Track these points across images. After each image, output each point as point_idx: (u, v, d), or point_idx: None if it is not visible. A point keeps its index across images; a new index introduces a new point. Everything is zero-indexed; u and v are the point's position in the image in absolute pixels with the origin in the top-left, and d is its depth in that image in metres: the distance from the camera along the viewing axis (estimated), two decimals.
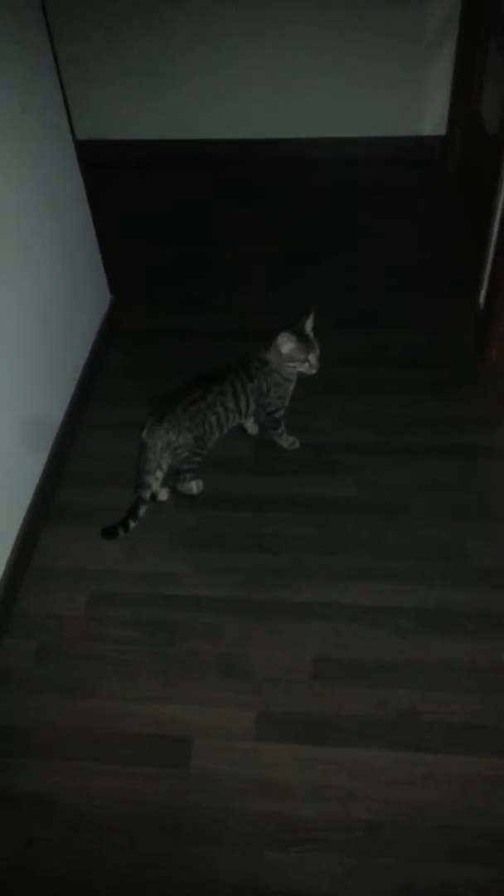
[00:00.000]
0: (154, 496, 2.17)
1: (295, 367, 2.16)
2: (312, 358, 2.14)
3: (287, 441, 2.38)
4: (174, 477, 2.20)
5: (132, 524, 2.10)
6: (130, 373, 2.78)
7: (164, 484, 2.20)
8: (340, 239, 3.42)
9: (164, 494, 2.23)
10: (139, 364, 2.82)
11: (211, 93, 3.87)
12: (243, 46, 3.71)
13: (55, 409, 2.39)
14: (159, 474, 2.13)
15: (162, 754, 1.72)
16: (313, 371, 2.17)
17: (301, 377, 2.21)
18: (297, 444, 2.39)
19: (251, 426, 2.43)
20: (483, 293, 2.70)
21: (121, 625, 1.97)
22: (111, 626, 1.97)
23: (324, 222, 3.54)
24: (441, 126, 3.84)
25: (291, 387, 2.23)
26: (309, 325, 2.14)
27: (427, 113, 3.84)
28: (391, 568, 2.06)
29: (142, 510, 2.11)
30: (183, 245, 3.46)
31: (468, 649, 1.87)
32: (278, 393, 2.23)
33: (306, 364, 2.15)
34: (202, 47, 3.73)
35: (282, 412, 2.30)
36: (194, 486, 2.24)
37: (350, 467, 2.34)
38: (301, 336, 2.11)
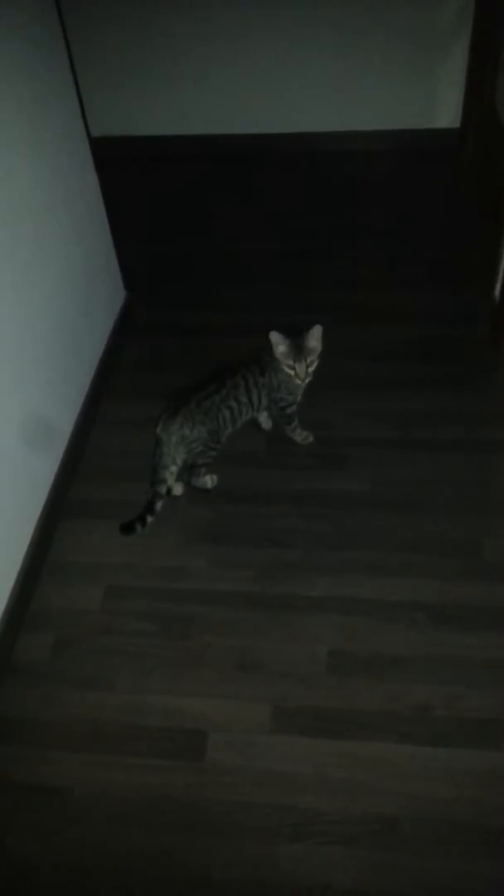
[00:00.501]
0: (169, 491, 2.17)
1: (284, 368, 2.16)
2: (299, 367, 2.14)
3: (301, 436, 2.39)
4: (189, 472, 2.21)
5: (149, 519, 2.11)
6: (144, 368, 2.79)
7: (178, 479, 2.21)
8: (353, 233, 3.41)
9: (178, 489, 2.24)
10: (153, 360, 2.82)
11: (222, 88, 3.86)
12: (255, 41, 3.71)
13: (70, 405, 2.41)
14: (174, 469, 2.14)
15: (177, 747, 1.73)
16: (298, 381, 2.17)
17: (315, 374, 2.20)
18: (311, 439, 2.39)
19: (265, 421, 2.43)
20: (498, 287, 2.69)
21: (136, 618, 1.99)
22: (127, 620, 1.98)
23: (336, 216, 3.53)
24: (455, 119, 3.82)
25: (302, 383, 2.23)
26: (313, 337, 2.12)
27: (441, 106, 3.82)
28: (405, 563, 2.06)
29: (158, 505, 2.11)
30: (195, 240, 3.47)
31: (483, 644, 1.86)
32: (289, 388, 2.23)
33: (292, 371, 2.15)
34: (214, 42, 3.73)
35: (293, 408, 2.30)
36: (209, 481, 2.24)
37: (363, 462, 2.34)
38: (295, 342, 2.11)
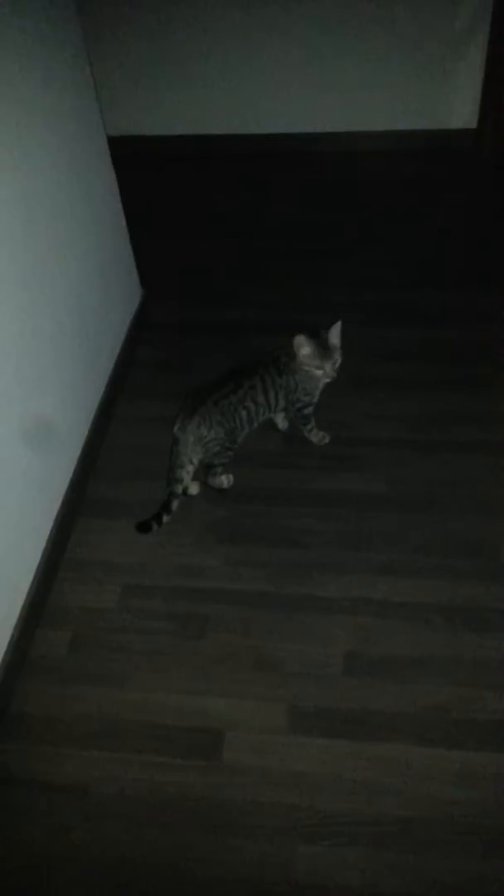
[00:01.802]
0: (185, 490, 2.18)
1: (310, 371, 2.17)
2: (328, 367, 2.15)
3: (317, 436, 2.39)
4: (205, 471, 2.22)
5: (166, 518, 2.11)
6: (160, 367, 2.80)
7: (195, 478, 2.21)
8: (370, 233, 3.41)
9: (195, 488, 2.25)
10: (169, 359, 2.83)
11: (238, 88, 3.88)
12: (270, 42, 3.71)
13: (87, 404, 2.41)
14: (190, 469, 2.15)
15: (193, 746, 1.73)
16: (327, 379, 2.19)
17: None
18: (328, 440, 2.39)
19: (281, 421, 2.44)
20: None
21: (152, 617, 1.99)
22: (143, 618, 1.99)
23: (352, 217, 3.53)
24: (472, 119, 3.81)
25: (321, 384, 2.23)
26: (334, 335, 2.13)
27: (457, 106, 3.81)
28: (421, 564, 2.06)
29: (175, 504, 2.12)
30: (211, 240, 3.47)
31: (499, 646, 1.86)
32: (306, 389, 2.23)
33: (321, 371, 2.16)
34: (229, 43, 3.74)
35: (311, 409, 2.31)
36: (225, 481, 2.25)
37: (379, 463, 2.34)
38: (319, 342, 2.12)
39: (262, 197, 3.75)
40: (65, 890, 1.56)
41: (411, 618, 1.94)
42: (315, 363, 2.14)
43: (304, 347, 2.12)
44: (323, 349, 2.12)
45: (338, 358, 2.16)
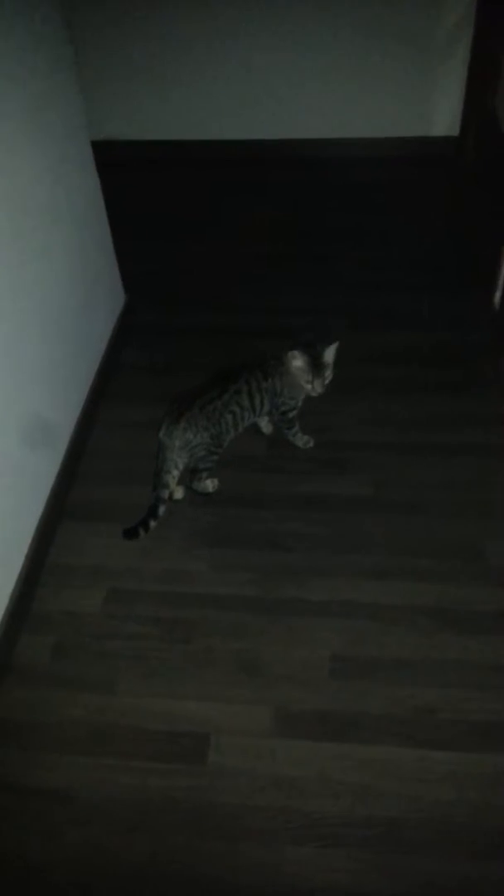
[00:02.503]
0: (171, 495, 2.17)
1: (300, 381, 2.18)
2: (317, 383, 2.16)
3: (302, 440, 2.39)
4: (190, 476, 2.21)
5: (152, 524, 2.10)
6: (144, 371, 2.79)
7: (179, 483, 2.21)
8: (353, 239, 3.42)
9: (179, 493, 2.24)
10: (154, 363, 2.82)
11: (220, 94, 3.89)
12: (252, 47, 3.73)
13: (70, 408, 2.40)
14: (176, 473, 2.14)
15: (180, 750, 1.72)
16: (314, 394, 2.20)
17: None
18: (312, 444, 2.40)
19: (265, 425, 2.44)
20: (498, 294, 2.71)
21: (137, 622, 1.98)
22: (128, 623, 1.98)
23: (336, 222, 3.55)
24: (454, 127, 3.85)
25: (305, 392, 2.24)
26: (329, 353, 2.15)
27: (440, 114, 3.85)
28: (407, 566, 2.06)
29: (161, 510, 2.11)
30: (195, 245, 3.47)
31: (486, 647, 1.87)
32: (291, 394, 2.24)
33: (309, 386, 2.17)
34: (211, 49, 3.75)
35: (294, 413, 2.31)
36: (210, 485, 2.24)
37: (365, 466, 2.35)
38: (314, 359, 2.13)
39: (248, 202, 3.76)
40: (53, 895, 1.54)
41: (398, 620, 1.94)
42: (305, 377, 2.16)
43: (297, 360, 2.14)
44: (316, 365, 2.14)
45: (328, 376, 2.18)
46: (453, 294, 3.02)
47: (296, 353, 2.13)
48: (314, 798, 1.63)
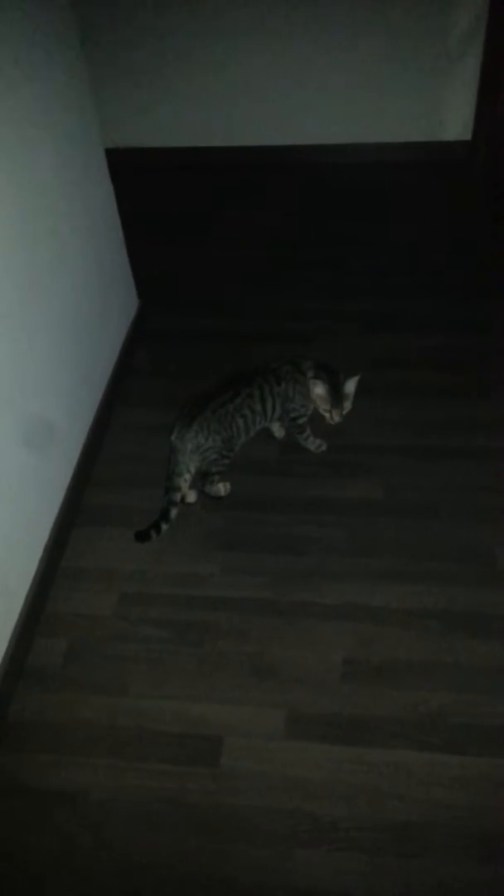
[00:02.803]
0: (183, 498, 2.18)
1: (318, 408, 2.23)
2: (335, 413, 2.20)
3: (314, 444, 2.40)
4: (202, 479, 2.22)
5: (164, 527, 2.11)
6: (157, 376, 2.81)
7: (191, 486, 2.22)
8: (365, 243, 3.43)
9: (192, 496, 2.25)
10: (166, 367, 2.84)
11: (232, 101, 3.92)
12: (265, 55, 3.75)
13: (84, 412, 2.42)
14: (188, 477, 2.15)
15: (192, 753, 1.73)
16: (331, 423, 2.24)
17: None
18: (325, 447, 2.40)
19: (277, 429, 2.45)
20: None
21: (150, 625, 1.99)
22: (140, 626, 1.99)
23: (348, 227, 3.56)
24: (466, 131, 3.85)
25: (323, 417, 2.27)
26: (350, 385, 2.18)
27: (452, 118, 3.85)
28: (419, 570, 2.06)
29: (173, 513, 2.12)
30: (207, 250, 3.50)
31: (498, 651, 1.87)
32: (303, 402, 2.25)
33: (327, 414, 2.21)
34: (221, 55, 3.78)
35: (305, 419, 2.32)
36: (222, 489, 2.25)
37: (377, 470, 2.35)
38: (334, 388, 2.16)
39: (259, 208, 3.78)
40: None
41: (410, 624, 1.94)
42: (325, 406, 2.20)
43: (318, 388, 2.17)
44: (336, 395, 2.16)
45: (348, 407, 2.21)
46: (467, 297, 3.02)
47: (318, 381, 2.15)
48: (326, 801, 1.64)
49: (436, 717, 1.75)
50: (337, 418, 2.22)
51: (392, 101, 3.81)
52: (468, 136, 3.85)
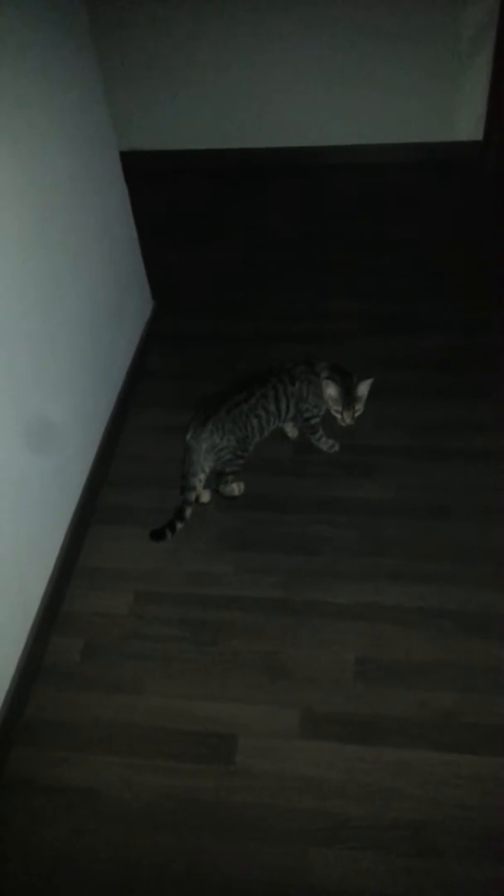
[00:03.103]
0: (198, 498, 2.20)
1: (330, 409, 2.25)
2: (347, 415, 2.22)
3: (326, 444, 2.41)
4: (216, 479, 2.24)
5: (179, 526, 2.13)
6: (172, 376, 2.83)
7: (206, 486, 2.23)
8: (374, 244, 3.43)
9: (206, 496, 2.27)
10: (180, 368, 2.86)
11: (240, 102, 3.93)
12: (275, 58, 3.76)
13: (100, 413, 2.44)
14: (203, 476, 2.17)
15: (207, 751, 1.75)
16: (343, 425, 2.26)
17: None
18: (337, 448, 2.41)
19: (290, 430, 2.46)
20: None
21: (165, 624, 2.01)
22: (155, 625, 2.01)
23: (357, 228, 3.56)
24: (477, 132, 3.84)
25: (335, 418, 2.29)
26: (363, 388, 2.20)
27: (463, 118, 3.84)
28: (430, 570, 2.07)
29: (188, 512, 2.14)
30: (220, 251, 3.51)
31: None
32: (316, 402, 2.27)
33: (339, 416, 2.23)
34: (229, 58, 3.79)
35: (318, 420, 2.33)
36: (236, 489, 2.27)
37: (388, 470, 2.36)
38: (347, 391, 2.18)
39: (270, 209, 3.79)
40: (78, 892, 1.58)
41: (422, 624, 1.95)
42: (336, 407, 2.22)
43: (330, 389, 2.19)
44: (348, 397, 2.18)
45: (360, 409, 2.23)
46: (477, 298, 3.02)
47: (331, 382, 2.17)
48: (339, 800, 1.65)
49: (447, 717, 1.76)
50: (349, 420, 2.23)
51: (403, 102, 3.80)
52: (480, 136, 3.84)
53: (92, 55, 2.28)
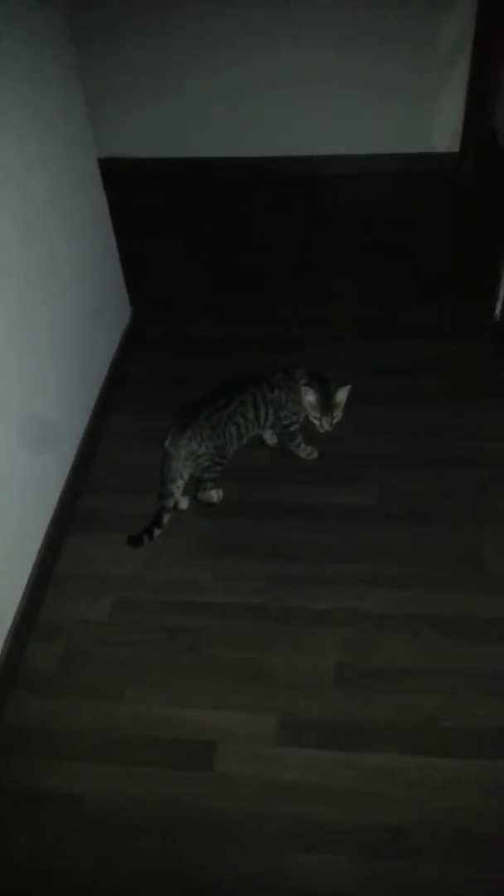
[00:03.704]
0: (176, 505, 2.20)
1: (308, 415, 2.26)
2: (325, 421, 2.24)
3: (305, 451, 2.41)
4: (195, 486, 2.23)
5: (156, 532, 2.12)
6: (150, 383, 2.82)
7: (184, 493, 2.23)
8: (355, 252, 3.46)
9: (185, 503, 2.26)
10: (159, 375, 2.86)
11: (222, 111, 3.92)
12: (258, 68, 3.77)
13: (78, 419, 2.43)
14: (181, 483, 2.16)
15: (186, 758, 1.74)
16: (321, 431, 2.27)
17: None
18: (316, 455, 2.42)
19: (269, 437, 2.46)
20: (499, 305, 2.74)
21: (143, 630, 2.00)
22: (134, 632, 2.00)
23: (339, 237, 3.59)
24: (455, 143, 3.89)
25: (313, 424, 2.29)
26: (341, 394, 2.22)
27: (440, 130, 3.88)
28: (411, 575, 2.08)
29: (165, 518, 2.13)
30: (200, 258, 3.51)
31: (489, 655, 1.88)
32: (295, 409, 2.28)
33: (317, 422, 2.24)
34: (218, 69, 3.80)
35: (296, 427, 2.34)
36: (215, 495, 2.27)
37: (369, 476, 2.37)
38: (325, 397, 2.20)
39: (250, 216, 3.80)
40: None
41: (402, 629, 1.96)
42: (315, 414, 2.23)
43: (309, 395, 2.20)
44: (326, 403, 2.20)
45: (338, 415, 2.24)
46: (457, 305, 3.05)
47: (309, 388, 2.18)
48: (319, 805, 1.65)
49: (427, 721, 1.77)
50: (327, 426, 2.24)
51: (381, 114, 3.83)
52: (456, 148, 3.89)
53: (72, 60, 2.28)
